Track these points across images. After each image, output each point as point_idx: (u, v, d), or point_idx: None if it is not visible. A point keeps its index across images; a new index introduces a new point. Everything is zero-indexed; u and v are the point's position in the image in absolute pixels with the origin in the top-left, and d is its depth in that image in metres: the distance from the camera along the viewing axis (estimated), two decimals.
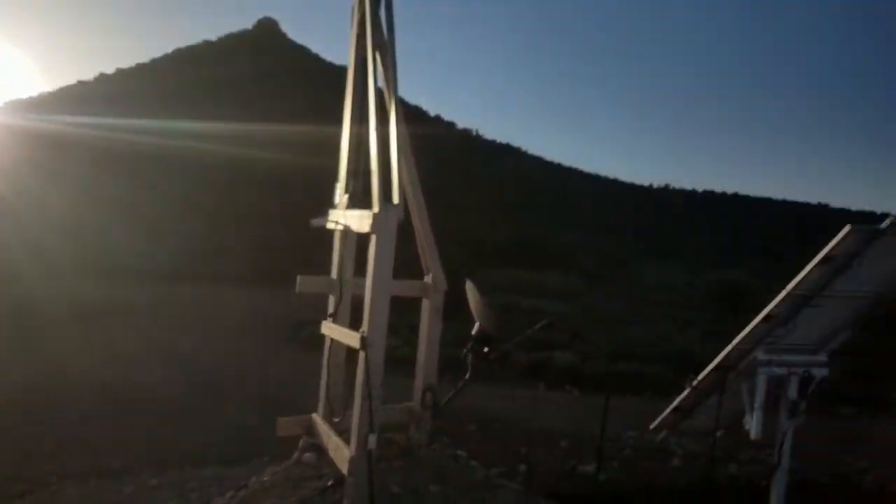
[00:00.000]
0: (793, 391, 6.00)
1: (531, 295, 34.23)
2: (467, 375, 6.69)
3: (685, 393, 6.88)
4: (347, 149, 6.75)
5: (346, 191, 6.74)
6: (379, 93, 6.03)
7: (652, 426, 7.58)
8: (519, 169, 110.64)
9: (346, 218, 6.30)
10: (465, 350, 6.58)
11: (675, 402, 7.04)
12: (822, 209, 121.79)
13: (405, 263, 7.11)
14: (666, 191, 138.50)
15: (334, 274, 6.80)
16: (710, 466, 7.25)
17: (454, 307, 6.78)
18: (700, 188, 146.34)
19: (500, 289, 34.23)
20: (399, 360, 10.45)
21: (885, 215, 5.58)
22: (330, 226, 6.62)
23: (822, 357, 6.28)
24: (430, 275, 6.64)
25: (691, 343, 22.93)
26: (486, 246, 45.88)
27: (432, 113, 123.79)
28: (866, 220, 5.67)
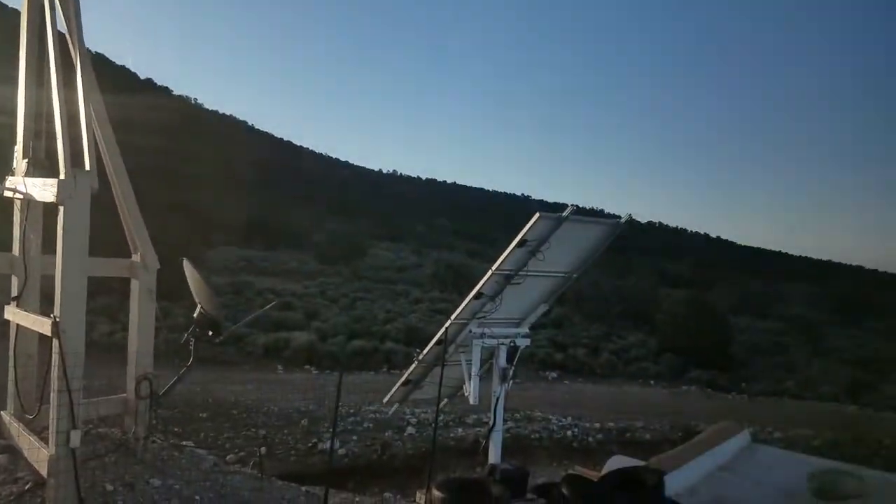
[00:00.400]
0: (502, 359, 6.51)
1: (264, 275, 33.34)
2: (189, 361, 6.32)
3: (413, 366, 7.21)
4: (25, 106, 5.84)
5: (26, 155, 5.84)
6: (62, 43, 5.27)
7: (385, 400, 7.81)
8: (246, 144, 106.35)
9: (26, 186, 5.46)
10: (185, 334, 6.23)
11: (405, 376, 7.34)
12: (526, 199, 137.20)
13: (123, 241, 6.41)
14: (394, 176, 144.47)
15: (16, 251, 5.90)
16: (436, 432, 7.68)
17: (182, 288, 6.30)
18: (424, 176, 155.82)
19: (230, 268, 32.79)
20: (117, 346, 9.48)
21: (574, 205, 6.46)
22: (7, 194, 5.72)
23: (525, 329, 7.00)
24: (139, 253, 6.09)
25: (421, 319, 24.31)
26: (214, 224, 43.43)
27: (142, 76, 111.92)
28: (559, 210, 6.23)
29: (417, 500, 6.20)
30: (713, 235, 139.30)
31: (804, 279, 76.36)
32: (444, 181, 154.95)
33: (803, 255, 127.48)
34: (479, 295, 6.39)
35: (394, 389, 7.49)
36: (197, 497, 5.52)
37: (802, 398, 20.39)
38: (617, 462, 7.46)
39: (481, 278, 6.43)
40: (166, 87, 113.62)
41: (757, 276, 73.49)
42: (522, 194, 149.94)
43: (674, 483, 6.64)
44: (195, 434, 9.31)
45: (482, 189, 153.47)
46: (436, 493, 5.50)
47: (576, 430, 11.84)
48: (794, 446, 11.57)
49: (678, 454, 7.56)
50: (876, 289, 56.98)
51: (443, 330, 6.57)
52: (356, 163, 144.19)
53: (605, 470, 7.21)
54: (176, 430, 9.12)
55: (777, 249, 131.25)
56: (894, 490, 6.06)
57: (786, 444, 11.86)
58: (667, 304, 29.45)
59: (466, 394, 6.62)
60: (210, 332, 6.29)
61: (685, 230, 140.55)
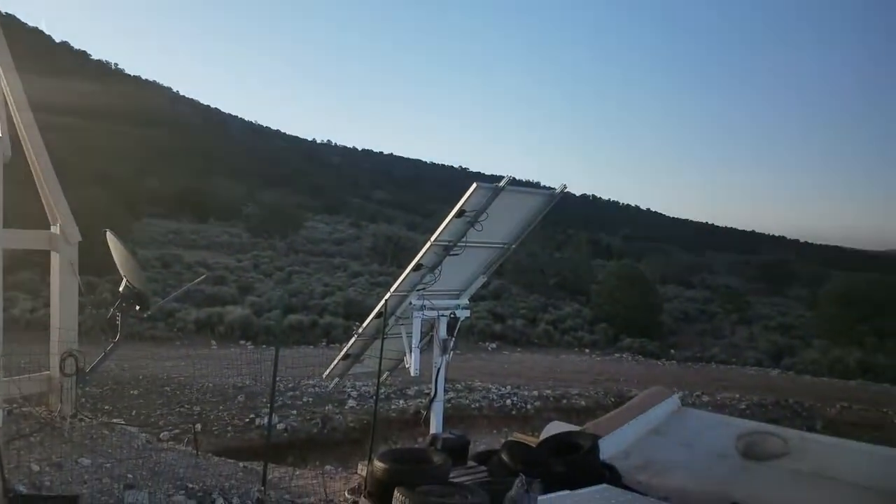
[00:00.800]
0: (442, 331, 6.58)
1: (194, 248, 32.37)
2: (116, 337, 6.16)
3: (353, 340, 7.16)
4: None
5: None
6: None
7: (325, 374, 7.75)
8: (171, 111, 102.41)
9: None
10: (112, 309, 6.06)
11: (345, 350, 7.28)
12: (463, 171, 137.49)
13: (44, 216, 6.11)
14: (328, 147, 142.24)
15: None
16: (377, 404, 7.64)
17: (107, 262, 6.10)
18: (360, 146, 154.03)
19: (158, 241, 31.68)
20: (40, 324, 9.06)
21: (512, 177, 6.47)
22: None
23: (465, 300, 7.05)
24: (59, 225, 5.83)
25: (360, 293, 24.15)
26: (139, 195, 41.82)
27: (58, 38, 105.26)
28: (497, 182, 6.29)
29: (359, 471, 6.19)
30: (644, 208, 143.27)
31: (730, 250, 79.51)
32: (381, 152, 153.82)
33: (729, 226, 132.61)
34: (418, 266, 6.38)
35: (334, 364, 7.43)
36: (130, 475, 5.35)
37: (729, 363, 21.26)
38: (554, 428, 7.65)
39: (419, 250, 6.43)
40: (84, 52, 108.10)
41: (685, 247, 76.15)
42: (460, 166, 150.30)
43: (608, 447, 6.86)
44: (126, 412, 9.03)
45: (420, 160, 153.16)
46: (378, 464, 5.49)
47: (515, 398, 12.04)
48: (722, 409, 12.10)
49: (612, 419, 7.81)
50: (799, 258, 59.76)
51: (382, 302, 6.53)
52: (288, 132, 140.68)
53: (543, 436, 7.38)
54: (105, 407, 8.83)
55: (704, 221, 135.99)
56: (815, 448, 6.42)
57: (713, 407, 12.38)
58: (601, 276, 30.17)
59: (407, 365, 6.63)
60: (137, 307, 6.12)
61: (617, 202, 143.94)
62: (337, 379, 8.05)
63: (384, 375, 7.64)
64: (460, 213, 6.07)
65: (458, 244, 6.38)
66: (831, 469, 5.99)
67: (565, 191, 6.71)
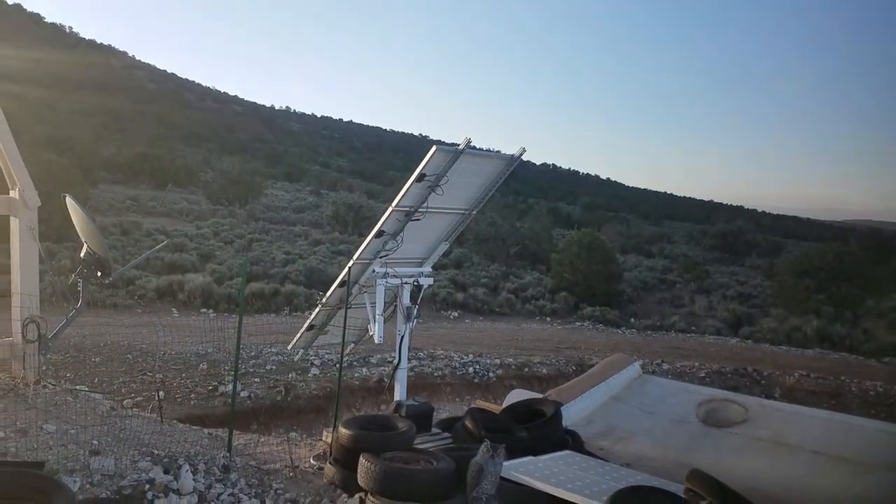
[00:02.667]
0: (406, 298, 6.63)
1: (153, 215, 31.68)
2: (78, 303, 6.10)
3: (317, 310, 7.17)
4: None
5: None
6: None
7: (290, 346, 7.74)
8: (127, 76, 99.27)
9: None
10: (73, 275, 6.00)
11: (309, 321, 7.29)
12: (423, 139, 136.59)
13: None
14: (287, 113, 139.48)
15: None
16: (341, 371, 7.70)
17: (66, 229, 6.01)
18: (319, 113, 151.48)
19: (116, 208, 30.92)
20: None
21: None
22: None
23: (428, 268, 7.11)
24: (18, 189, 5.73)
25: (321, 261, 24.01)
26: (96, 161, 40.65)
27: (10, 1, 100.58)
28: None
29: (324, 438, 6.25)
30: (604, 177, 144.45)
31: (688, 219, 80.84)
32: (341, 119, 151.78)
33: (687, 195, 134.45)
34: (380, 233, 6.41)
35: (298, 335, 7.43)
36: (95, 442, 5.33)
37: (688, 332, 21.69)
38: (517, 395, 7.82)
39: (379, 218, 6.45)
40: (37, 14, 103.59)
41: (644, 216, 77.23)
42: (420, 134, 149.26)
43: (570, 414, 7.04)
44: (88, 379, 8.91)
45: (380, 128, 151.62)
46: (343, 430, 5.56)
47: (477, 366, 12.19)
48: (682, 377, 12.43)
49: (573, 386, 8.00)
50: (756, 228, 60.80)
51: (346, 270, 6.54)
52: (246, 98, 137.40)
53: (505, 403, 7.53)
54: (67, 375, 8.71)
55: (663, 191, 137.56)
56: (774, 415, 6.67)
57: (673, 375, 12.70)
58: (561, 245, 30.44)
59: (371, 334, 6.68)
60: (99, 273, 6.05)
61: (577, 172, 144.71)
62: (302, 350, 8.06)
63: (349, 348, 7.67)
64: (420, 178, 6.09)
65: (420, 209, 6.40)
66: (790, 436, 6.22)
67: (524, 155, 6.75)
